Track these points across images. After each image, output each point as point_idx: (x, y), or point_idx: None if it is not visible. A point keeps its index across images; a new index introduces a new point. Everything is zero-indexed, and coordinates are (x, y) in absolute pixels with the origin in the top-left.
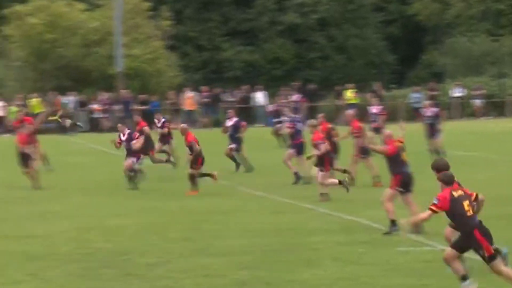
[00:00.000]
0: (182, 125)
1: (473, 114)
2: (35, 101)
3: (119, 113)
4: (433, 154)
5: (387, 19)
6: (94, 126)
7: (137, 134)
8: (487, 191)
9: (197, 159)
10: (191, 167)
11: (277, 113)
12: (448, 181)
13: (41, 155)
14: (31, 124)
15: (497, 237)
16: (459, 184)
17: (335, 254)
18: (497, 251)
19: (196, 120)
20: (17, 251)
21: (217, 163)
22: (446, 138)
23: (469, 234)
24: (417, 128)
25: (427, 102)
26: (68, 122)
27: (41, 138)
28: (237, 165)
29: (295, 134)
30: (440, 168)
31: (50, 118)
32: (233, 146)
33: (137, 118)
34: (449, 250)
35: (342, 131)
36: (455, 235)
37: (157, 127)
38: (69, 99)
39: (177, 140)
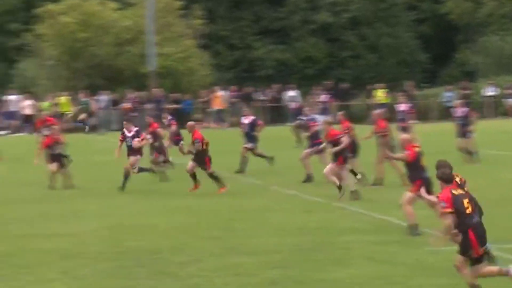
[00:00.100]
0: (189, 122)
1: (505, 113)
2: (64, 100)
3: (151, 112)
4: (464, 154)
5: (419, 17)
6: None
7: (144, 135)
8: None
9: (203, 159)
10: (202, 168)
11: (299, 111)
12: (447, 179)
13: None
14: (55, 124)
15: None
16: (458, 184)
17: (367, 253)
18: (487, 253)
19: (225, 119)
20: (49, 249)
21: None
22: (479, 137)
23: (464, 233)
24: (450, 128)
25: (458, 102)
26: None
27: (69, 137)
28: (267, 159)
29: (316, 134)
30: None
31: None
32: (249, 145)
33: (149, 119)
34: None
35: (367, 131)
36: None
37: (166, 125)
38: (102, 98)
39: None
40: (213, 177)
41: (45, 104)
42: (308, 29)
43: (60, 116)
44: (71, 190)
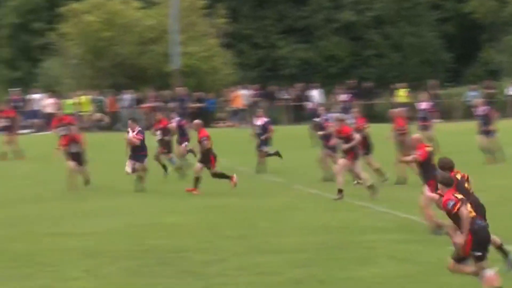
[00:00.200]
0: (196, 121)
1: None
2: (84, 99)
3: (174, 111)
4: (487, 154)
5: (443, 16)
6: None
7: (141, 134)
8: None
9: (208, 158)
10: (207, 167)
11: (316, 111)
12: (447, 183)
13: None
14: (72, 123)
15: None
16: (456, 186)
17: (390, 252)
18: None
19: (245, 118)
20: (73, 247)
21: (271, 160)
22: (502, 136)
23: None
24: (473, 127)
25: (479, 101)
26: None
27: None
28: (277, 154)
29: (330, 134)
30: (446, 167)
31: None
32: (264, 149)
33: (159, 116)
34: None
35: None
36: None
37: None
38: (125, 97)
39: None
40: (217, 175)
41: (68, 102)
42: (332, 28)
43: (80, 115)
44: (96, 189)
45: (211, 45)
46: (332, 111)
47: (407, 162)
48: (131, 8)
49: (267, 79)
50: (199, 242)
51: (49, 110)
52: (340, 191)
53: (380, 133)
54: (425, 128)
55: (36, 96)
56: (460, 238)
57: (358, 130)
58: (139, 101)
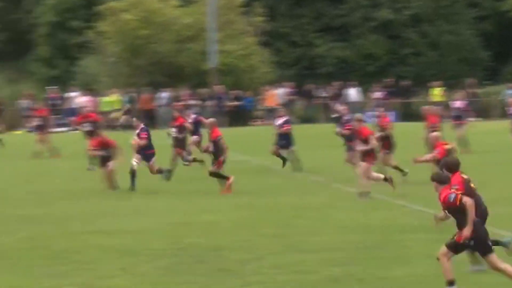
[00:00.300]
0: (210, 119)
1: None
2: (115, 97)
3: (212, 109)
4: None
5: (480, 15)
6: None
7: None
8: None
9: (218, 158)
10: (212, 164)
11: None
12: (442, 181)
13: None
14: (96, 120)
15: None
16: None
17: (427, 251)
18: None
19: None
20: (110, 245)
21: (309, 158)
22: None
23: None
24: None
25: (511, 99)
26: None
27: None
28: (284, 162)
29: (352, 136)
30: (452, 167)
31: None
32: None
33: (176, 114)
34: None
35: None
36: None
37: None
38: (163, 95)
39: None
40: (215, 175)
41: (105, 100)
42: (369, 26)
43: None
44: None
45: (249, 43)
46: (367, 110)
47: (426, 161)
48: (168, 6)
49: (304, 77)
50: (236, 241)
51: (86, 108)
52: (386, 178)
53: (415, 131)
54: (459, 126)
55: (73, 94)
56: (467, 231)
57: (382, 129)
58: (176, 99)
